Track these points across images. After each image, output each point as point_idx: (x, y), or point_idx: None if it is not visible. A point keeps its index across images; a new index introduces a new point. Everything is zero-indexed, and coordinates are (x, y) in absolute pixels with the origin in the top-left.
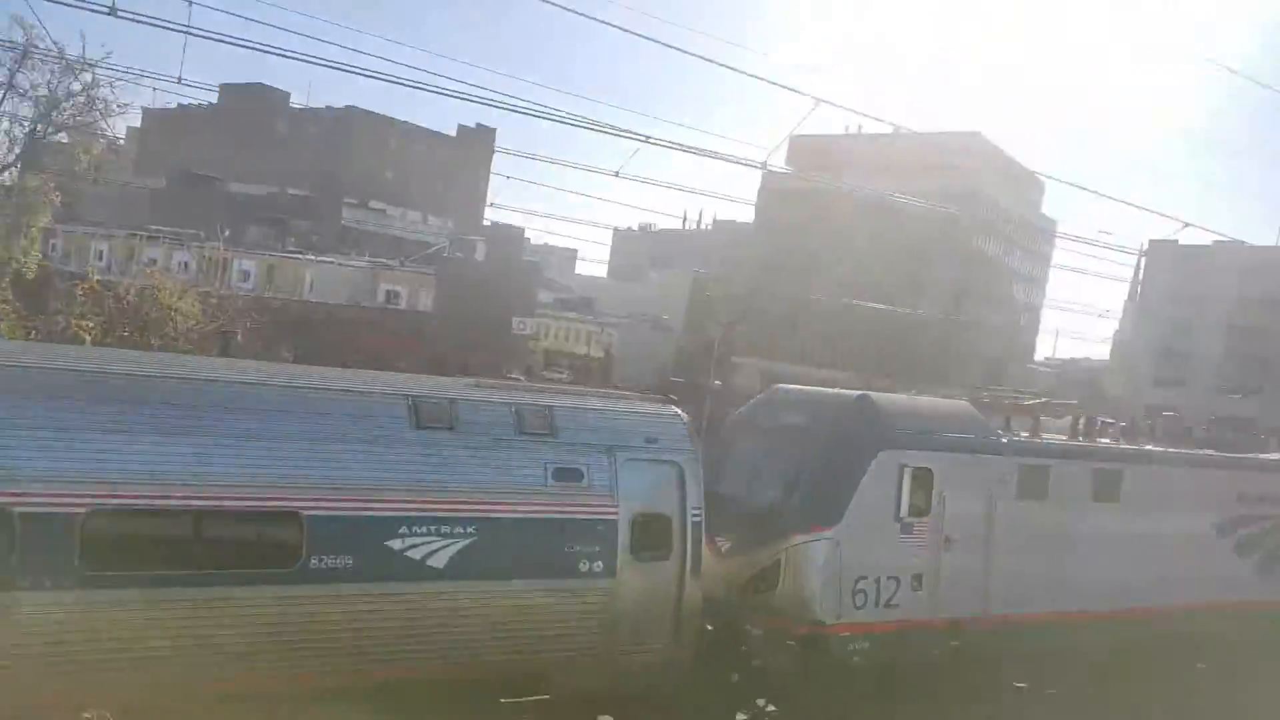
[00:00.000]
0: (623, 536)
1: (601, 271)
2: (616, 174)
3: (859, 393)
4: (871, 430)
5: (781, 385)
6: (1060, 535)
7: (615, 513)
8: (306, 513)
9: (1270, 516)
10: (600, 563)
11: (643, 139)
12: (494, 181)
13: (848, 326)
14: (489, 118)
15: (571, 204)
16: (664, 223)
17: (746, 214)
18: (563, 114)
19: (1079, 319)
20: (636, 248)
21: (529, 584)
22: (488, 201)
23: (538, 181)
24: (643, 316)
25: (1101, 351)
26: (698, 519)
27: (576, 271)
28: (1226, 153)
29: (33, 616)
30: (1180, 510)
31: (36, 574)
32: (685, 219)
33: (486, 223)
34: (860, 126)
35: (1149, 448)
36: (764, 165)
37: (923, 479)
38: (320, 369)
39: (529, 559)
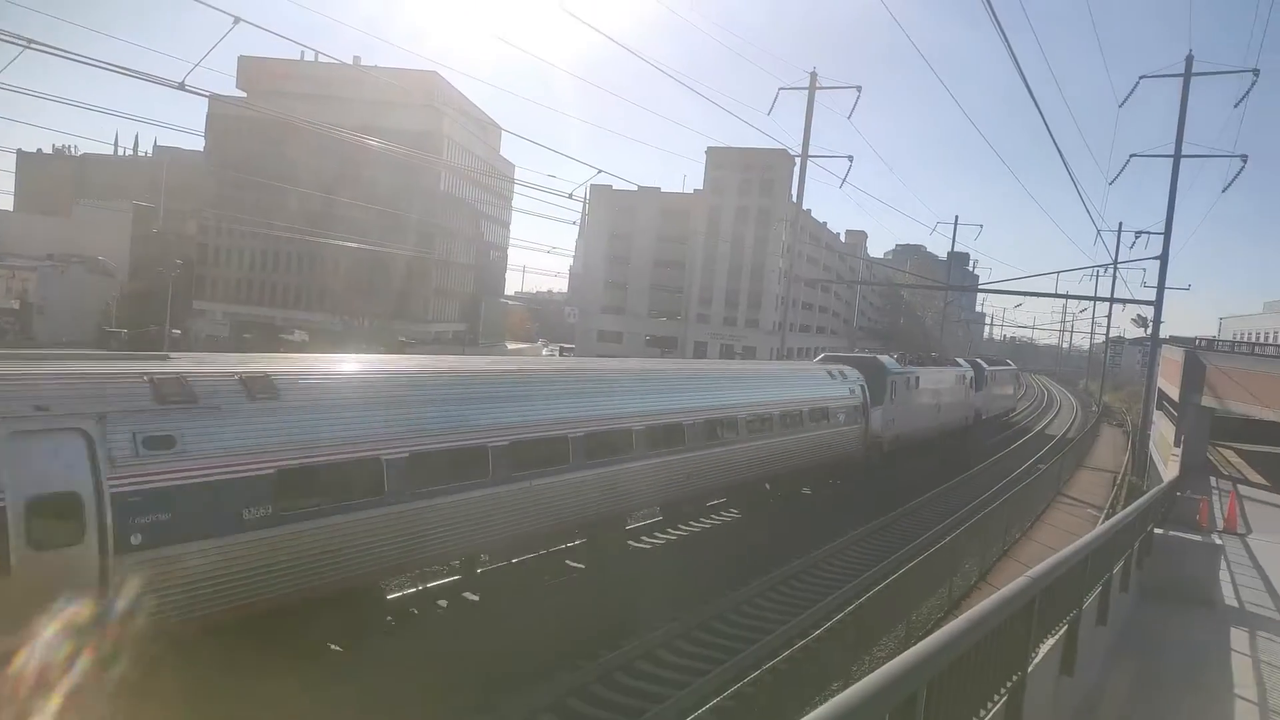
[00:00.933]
0: (859, 410)
1: (5, 203)
2: None
3: (872, 355)
4: (885, 369)
5: (828, 352)
6: (916, 402)
7: (859, 403)
8: (776, 413)
9: (942, 391)
10: (859, 418)
11: (24, 44)
12: None
13: (324, 266)
14: None
15: None
16: (87, 146)
17: (194, 142)
18: None
19: (541, 256)
20: (54, 175)
21: (849, 427)
22: None
23: None
24: (72, 257)
25: (563, 285)
26: (868, 403)
27: None
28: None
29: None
30: (932, 389)
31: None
32: (117, 144)
33: None
34: (317, 55)
35: (923, 366)
36: (181, 85)
37: (892, 384)
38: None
39: (849, 418)
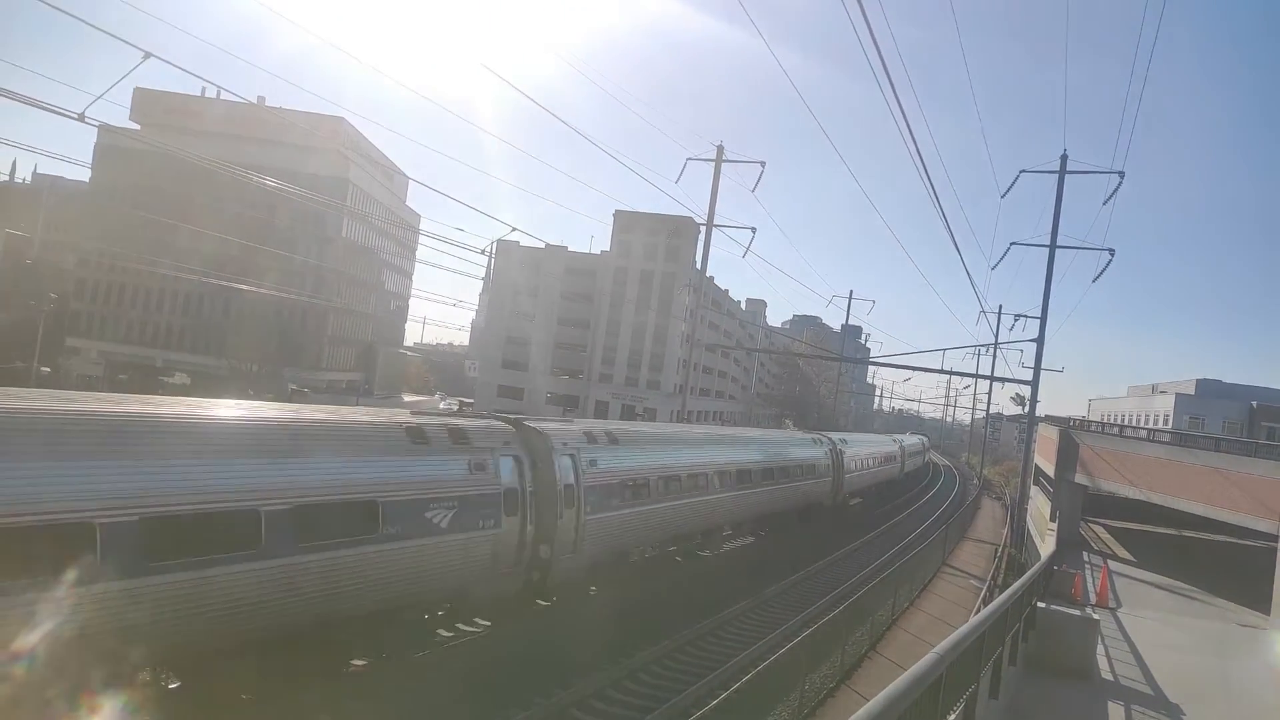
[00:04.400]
0: (830, 467)
1: None
2: None
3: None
4: (846, 440)
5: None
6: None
7: (830, 461)
8: (803, 464)
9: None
10: (830, 473)
11: None
12: None
13: (212, 307)
14: None
15: None
16: None
17: (75, 171)
18: None
19: (443, 309)
20: None
21: (825, 479)
22: None
23: None
24: None
25: (464, 339)
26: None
27: None
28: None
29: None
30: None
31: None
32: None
33: None
34: (219, 92)
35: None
36: (81, 117)
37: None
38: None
39: (823, 471)
